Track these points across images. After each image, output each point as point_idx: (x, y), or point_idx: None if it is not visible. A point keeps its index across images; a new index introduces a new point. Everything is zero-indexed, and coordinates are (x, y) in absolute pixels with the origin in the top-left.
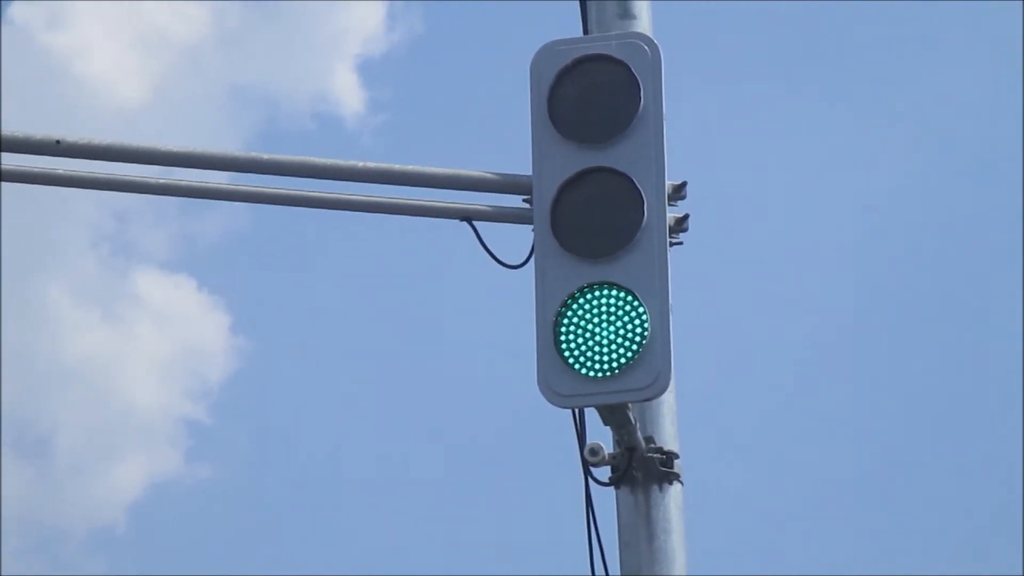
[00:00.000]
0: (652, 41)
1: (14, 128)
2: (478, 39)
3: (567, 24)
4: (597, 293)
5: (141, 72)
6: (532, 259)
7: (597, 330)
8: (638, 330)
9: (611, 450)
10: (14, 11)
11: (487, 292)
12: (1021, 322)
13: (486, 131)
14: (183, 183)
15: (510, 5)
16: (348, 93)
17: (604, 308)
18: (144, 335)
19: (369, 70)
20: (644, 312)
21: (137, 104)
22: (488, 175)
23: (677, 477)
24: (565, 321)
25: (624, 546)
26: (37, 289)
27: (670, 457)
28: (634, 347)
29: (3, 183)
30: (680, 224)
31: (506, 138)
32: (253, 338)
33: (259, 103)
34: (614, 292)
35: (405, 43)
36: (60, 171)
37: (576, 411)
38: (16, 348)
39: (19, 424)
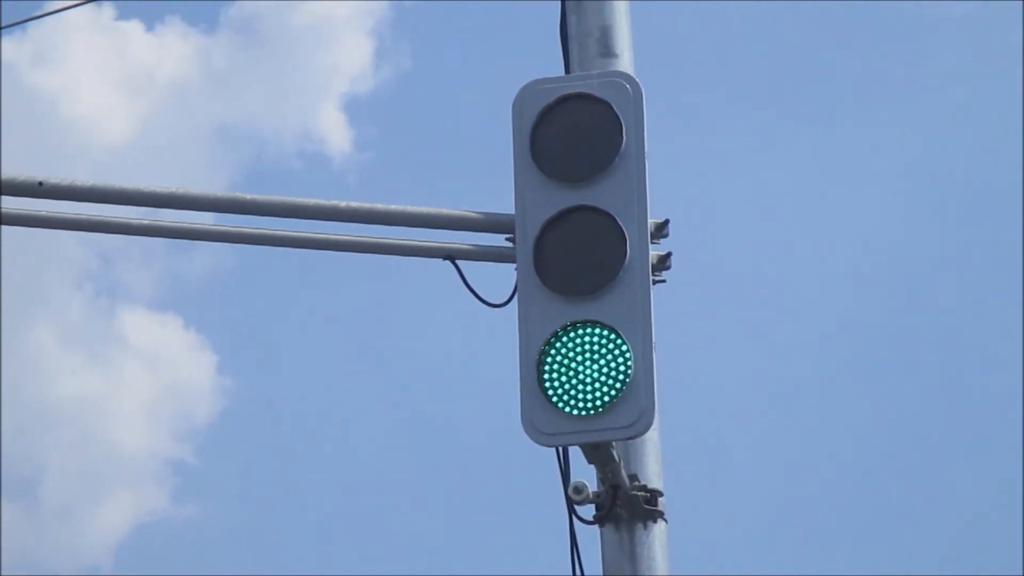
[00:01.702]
0: (634, 80)
1: None
2: (466, 76)
3: (550, 62)
4: (580, 331)
5: (127, 111)
6: (515, 298)
7: (581, 368)
8: (621, 368)
9: (595, 488)
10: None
11: (470, 331)
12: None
13: (472, 169)
14: (166, 224)
15: (498, 41)
16: (334, 132)
17: (587, 346)
18: (131, 375)
19: (356, 108)
20: (627, 350)
21: (123, 143)
22: (471, 214)
23: (661, 515)
24: (548, 359)
25: None
26: (22, 330)
27: (654, 495)
28: (618, 385)
29: None
30: (663, 262)
31: (492, 176)
32: (239, 377)
33: (246, 142)
34: (597, 330)
35: (392, 81)
36: (43, 213)
37: (560, 449)
38: (2, 389)
39: (5, 465)
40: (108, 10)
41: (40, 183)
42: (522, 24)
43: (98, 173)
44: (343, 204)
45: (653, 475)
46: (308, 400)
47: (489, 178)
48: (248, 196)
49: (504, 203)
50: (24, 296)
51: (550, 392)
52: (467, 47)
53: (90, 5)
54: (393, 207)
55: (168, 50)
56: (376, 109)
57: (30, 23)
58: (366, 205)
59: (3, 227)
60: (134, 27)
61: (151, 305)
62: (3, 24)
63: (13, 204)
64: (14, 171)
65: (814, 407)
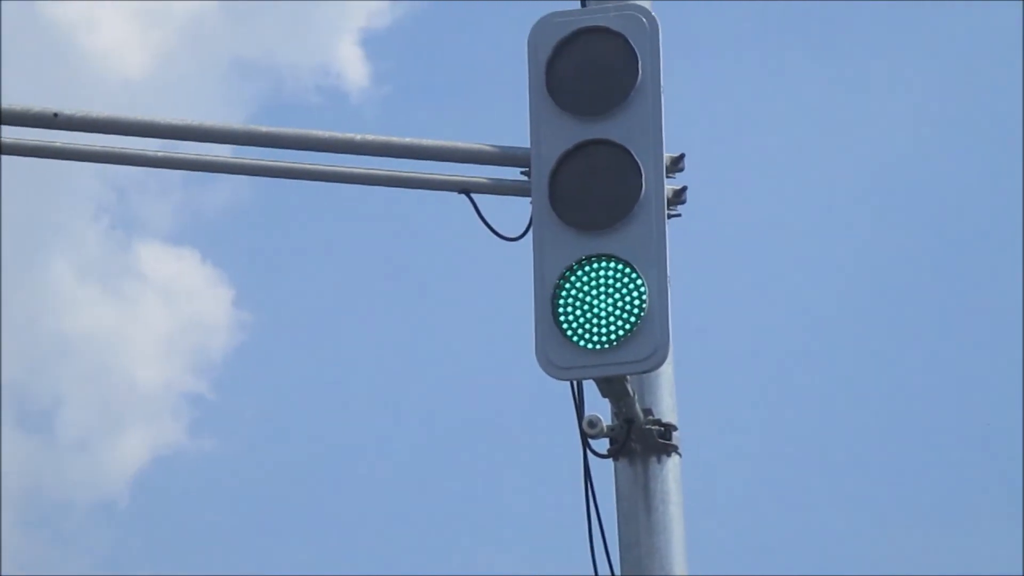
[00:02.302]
0: (650, 13)
1: (13, 101)
2: (484, 8)
3: None
4: (595, 265)
5: (144, 44)
6: (530, 231)
7: (595, 302)
8: (636, 302)
9: (609, 422)
10: None
11: (485, 264)
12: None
13: (489, 103)
14: (181, 156)
15: None
16: (352, 66)
17: (602, 280)
18: (147, 308)
19: (373, 43)
20: (642, 284)
21: (140, 77)
22: (486, 147)
23: (675, 449)
24: (563, 293)
25: (623, 518)
26: (38, 263)
27: (668, 429)
28: (632, 319)
29: (2, 156)
30: (678, 196)
31: (510, 110)
32: (256, 311)
33: (263, 76)
34: (612, 264)
35: (410, 14)
36: (58, 144)
37: (574, 383)
38: (19, 323)
39: (22, 398)
40: None
41: (55, 114)
42: None
43: (114, 107)
44: (358, 137)
45: (667, 409)
46: (324, 334)
47: (506, 112)
48: (264, 128)
49: (521, 137)
50: (40, 229)
51: (565, 326)
52: None
53: None
54: (408, 140)
55: None
56: (393, 43)
57: None
58: (381, 138)
59: (18, 158)
60: None
61: (168, 238)
62: None
63: (28, 135)
64: (29, 102)
65: (830, 340)
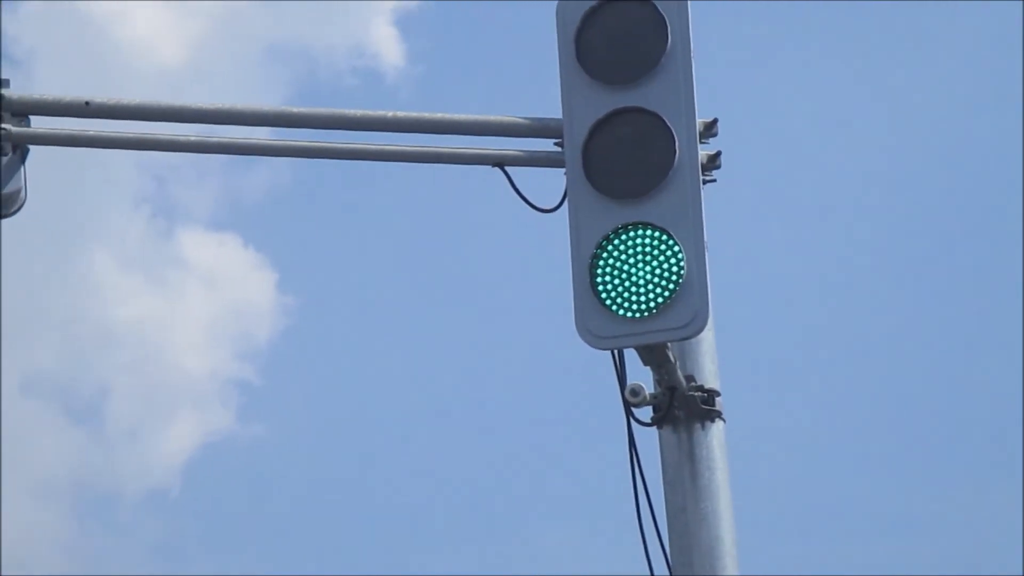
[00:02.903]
0: None
1: (44, 91)
2: None
3: None
4: (632, 234)
5: (179, 33)
6: (565, 202)
7: (633, 271)
8: (674, 269)
9: (652, 390)
10: None
11: (522, 236)
12: None
13: (526, 77)
14: (215, 140)
15: None
16: (386, 46)
17: (639, 248)
18: (191, 296)
19: (406, 22)
20: (679, 251)
21: (176, 65)
22: (518, 120)
23: (719, 415)
24: (601, 263)
25: (668, 485)
26: (81, 253)
27: (711, 395)
28: (671, 286)
29: (35, 146)
30: (712, 161)
31: (545, 82)
32: (300, 294)
33: (298, 60)
34: (649, 232)
35: None
36: (91, 132)
37: (615, 352)
38: (63, 314)
39: (70, 389)
40: None
41: (87, 103)
42: None
43: (151, 95)
44: (390, 114)
45: (709, 375)
46: (367, 314)
47: (542, 84)
48: (295, 109)
49: (555, 108)
50: (81, 219)
51: (603, 295)
52: None
53: None
54: (440, 115)
55: None
56: (426, 22)
57: None
58: (413, 114)
59: (54, 148)
60: None
61: (209, 225)
62: None
63: (62, 124)
64: (61, 91)
65: (868, 303)
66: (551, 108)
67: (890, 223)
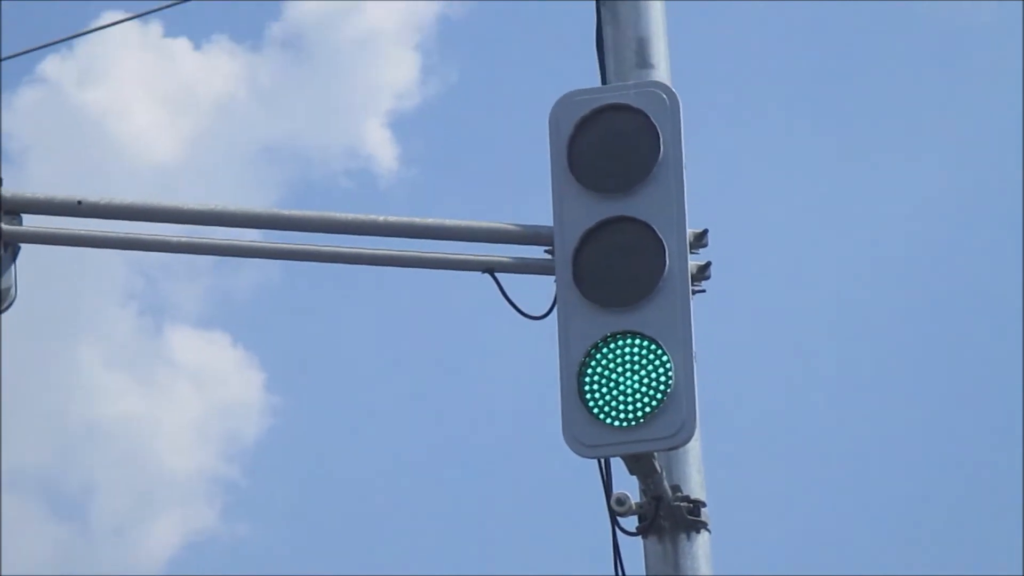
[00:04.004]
0: (670, 89)
1: (37, 189)
2: (512, 88)
3: (587, 74)
4: (621, 342)
5: (174, 130)
6: (555, 310)
7: (621, 379)
8: (662, 379)
9: (638, 500)
10: (46, 68)
11: (511, 343)
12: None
13: (519, 182)
14: (205, 241)
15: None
16: (381, 148)
17: (628, 357)
18: (178, 394)
19: (402, 125)
20: (668, 361)
21: (170, 162)
22: (509, 226)
23: (705, 526)
24: (589, 371)
25: None
26: (68, 350)
27: (697, 506)
28: (659, 396)
29: (27, 245)
30: (703, 272)
31: (537, 188)
32: (287, 395)
33: (292, 160)
34: (638, 341)
35: (439, 95)
36: (82, 231)
37: (602, 461)
38: (50, 410)
39: (55, 487)
40: (156, 27)
41: (79, 202)
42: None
43: (144, 192)
44: (381, 219)
45: (696, 486)
46: (356, 415)
47: (534, 190)
48: (287, 212)
49: (546, 215)
50: (69, 316)
51: (591, 404)
52: (514, 59)
53: (138, 22)
54: (432, 221)
55: (215, 68)
56: (423, 124)
57: (76, 40)
58: (404, 219)
59: (45, 247)
60: (181, 44)
61: (198, 323)
62: (50, 41)
63: (53, 224)
64: (53, 190)
65: (857, 415)
66: (543, 214)
67: (891, 335)
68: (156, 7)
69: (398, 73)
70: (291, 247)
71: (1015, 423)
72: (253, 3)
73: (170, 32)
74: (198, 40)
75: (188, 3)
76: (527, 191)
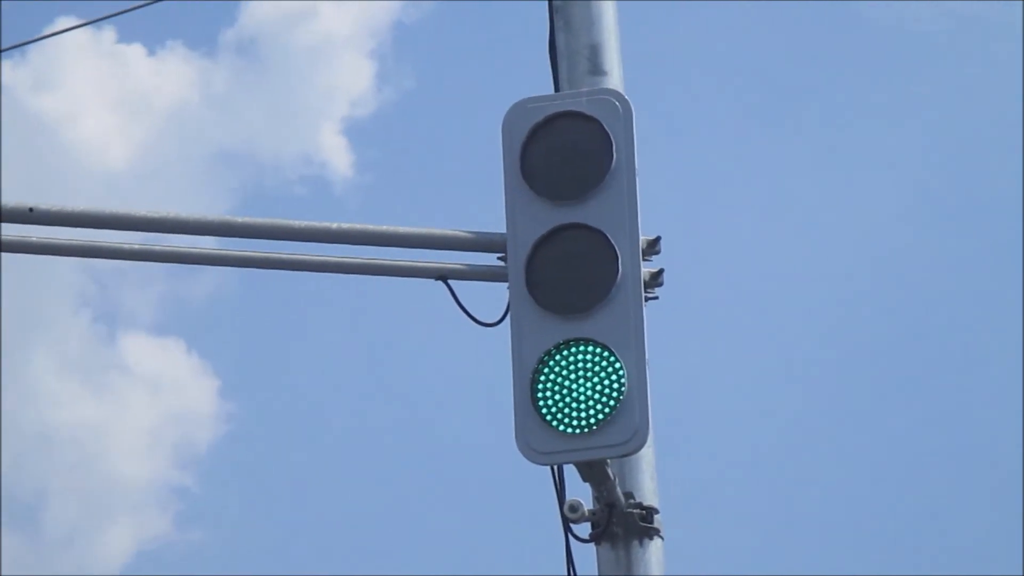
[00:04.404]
0: (623, 97)
1: None
2: (467, 95)
3: (542, 80)
4: (573, 349)
5: (128, 135)
6: (508, 317)
7: (574, 386)
8: (615, 385)
9: (591, 506)
10: None
11: (463, 350)
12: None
13: (474, 190)
14: (157, 249)
15: (502, 59)
16: (335, 155)
17: (581, 364)
18: (132, 400)
19: (357, 131)
20: (621, 367)
21: (124, 168)
22: (462, 233)
23: (657, 532)
24: (542, 378)
25: None
26: (21, 357)
27: (650, 512)
28: (611, 403)
29: None
30: (655, 279)
31: (491, 195)
32: (241, 401)
33: (246, 166)
34: (590, 348)
35: (393, 102)
36: (34, 239)
37: (555, 468)
38: (2, 418)
39: (7, 494)
40: (109, 33)
41: (31, 208)
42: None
43: (97, 198)
44: (334, 226)
45: (648, 492)
46: (309, 422)
47: (488, 197)
48: (239, 219)
49: (499, 222)
50: (22, 323)
51: (544, 410)
52: (469, 65)
53: (91, 28)
54: (384, 228)
55: (169, 74)
56: (378, 131)
57: (29, 46)
58: (357, 226)
59: None
60: (135, 51)
61: (152, 329)
62: (3, 47)
63: (6, 231)
64: (4, 197)
65: (809, 421)
66: (497, 221)
67: (837, 342)
68: (110, 13)
69: (353, 79)
70: (245, 254)
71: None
72: (207, 8)
73: (124, 38)
74: (152, 46)
75: (141, 9)
76: (482, 198)
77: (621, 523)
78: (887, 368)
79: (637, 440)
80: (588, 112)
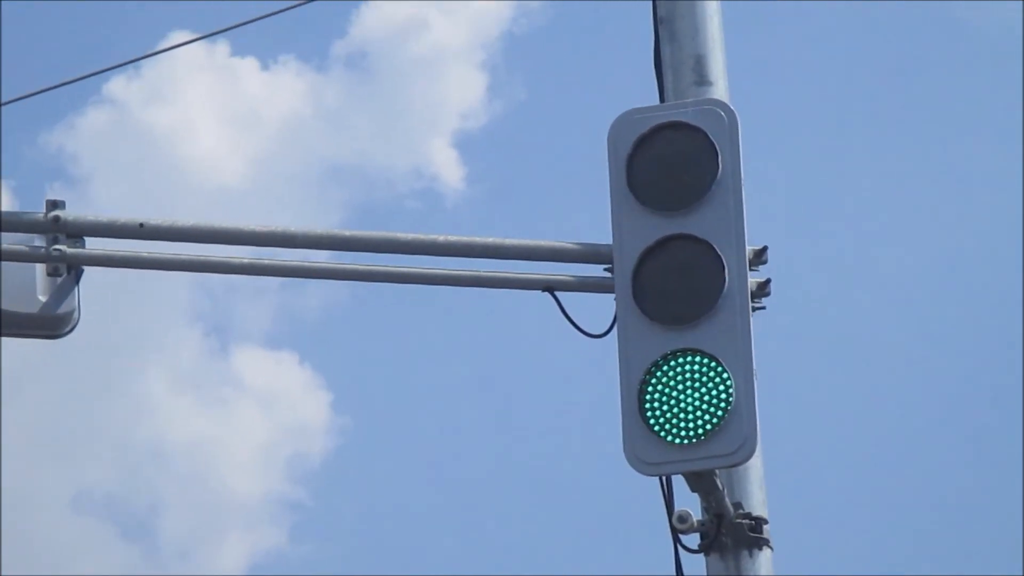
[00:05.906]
0: (728, 107)
1: (102, 209)
2: (578, 106)
3: (647, 92)
4: (681, 360)
5: (241, 150)
6: (615, 328)
7: (682, 397)
8: (723, 396)
9: (700, 517)
10: (112, 89)
11: (571, 362)
12: None
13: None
14: (267, 262)
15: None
16: (446, 168)
17: (688, 375)
18: (246, 415)
19: (467, 144)
20: (728, 378)
21: (237, 183)
22: (568, 245)
23: (767, 542)
24: (650, 389)
25: None
26: (135, 373)
27: (759, 523)
28: (719, 413)
29: (89, 267)
30: (762, 289)
31: (599, 206)
32: (354, 415)
33: (358, 180)
34: (698, 359)
35: (505, 114)
36: (144, 254)
37: (663, 479)
38: (116, 432)
39: (122, 507)
40: (223, 47)
41: (141, 224)
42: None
43: (210, 213)
44: (441, 238)
45: (757, 503)
46: (420, 435)
47: (595, 208)
48: (347, 232)
49: (605, 233)
50: (135, 338)
51: (652, 421)
52: (580, 76)
53: (204, 42)
54: (491, 240)
55: (281, 88)
56: (488, 144)
57: (143, 61)
58: (464, 239)
59: (109, 269)
60: (248, 64)
61: (265, 343)
62: (117, 62)
63: (117, 246)
64: (116, 212)
65: (920, 432)
66: (603, 232)
67: (951, 351)
68: (223, 27)
69: (464, 91)
70: (353, 267)
71: None
72: (319, 21)
73: (237, 52)
74: (265, 60)
75: (254, 23)
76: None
77: (730, 533)
78: (1004, 376)
79: (745, 450)
80: (693, 122)
